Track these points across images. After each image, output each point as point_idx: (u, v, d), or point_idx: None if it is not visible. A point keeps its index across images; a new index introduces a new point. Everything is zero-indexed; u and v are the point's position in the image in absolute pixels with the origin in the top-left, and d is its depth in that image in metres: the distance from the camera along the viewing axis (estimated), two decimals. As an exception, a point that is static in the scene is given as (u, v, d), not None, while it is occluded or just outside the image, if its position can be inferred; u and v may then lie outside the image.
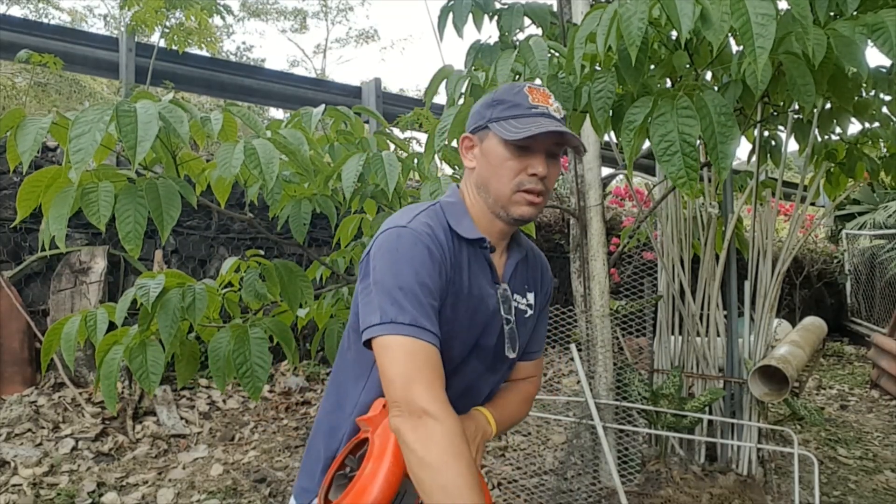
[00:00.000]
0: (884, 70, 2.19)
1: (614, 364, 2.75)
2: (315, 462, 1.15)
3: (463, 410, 1.12)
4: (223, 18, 5.35)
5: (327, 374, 4.61)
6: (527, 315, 1.21)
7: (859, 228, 8.21)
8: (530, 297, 1.22)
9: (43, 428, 3.34)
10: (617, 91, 1.84)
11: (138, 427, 3.50)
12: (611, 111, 1.83)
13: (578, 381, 2.73)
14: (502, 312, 1.13)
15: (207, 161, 1.95)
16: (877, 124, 2.66)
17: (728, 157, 1.58)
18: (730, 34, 1.72)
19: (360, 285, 1.08)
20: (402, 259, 1.01)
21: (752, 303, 2.99)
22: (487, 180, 1.11)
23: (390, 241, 1.03)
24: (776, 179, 3.13)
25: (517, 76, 2.04)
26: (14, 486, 2.84)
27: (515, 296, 1.18)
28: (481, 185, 1.12)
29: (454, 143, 2.02)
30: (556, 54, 2.02)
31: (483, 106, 1.14)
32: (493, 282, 1.13)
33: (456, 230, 1.09)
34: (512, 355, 1.16)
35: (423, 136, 4.96)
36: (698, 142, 2.67)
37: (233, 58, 13.25)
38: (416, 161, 2.08)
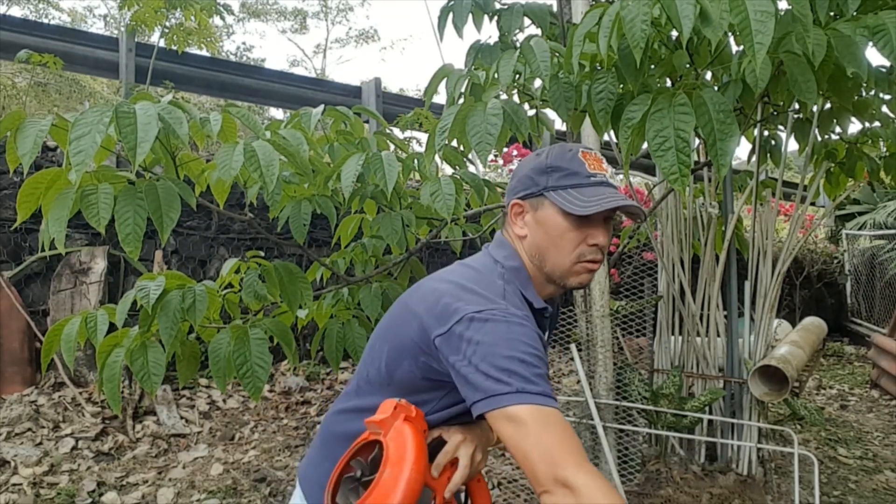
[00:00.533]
0: (884, 70, 2.19)
1: (614, 364, 2.75)
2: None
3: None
4: (223, 19, 5.36)
5: (327, 373, 4.61)
6: None
7: (859, 228, 8.21)
8: (545, 335, 1.23)
9: (43, 427, 3.34)
10: (617, 90, 1.84)
11: (138, 426, 3.50)
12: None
13: (578, 381, 2.73)
14: None
15: (207, 162, 1.95)
16: (877, 124, 2.66)
17: (727, 154, 1.58)
18: (729, 33, 1.73)
19: (451, 358, 1.00)
20: (515, 334, 0.98)
21: (752, 303, 2.99)
22: (545, 251, 1.09)
23: (497, 318, 0.99)
24: (776, 179, 3.13)
25: (518, 76, 2.04)
26: (14, 485, 2.84)
27: None
28: (535, 254, 1.10)
29: (454, 143, 2.02)
30: (557, 54, 2.02)
31: (535, 172, 1.10)
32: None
33: (531, 302, 1.09)
34: None
35: (423, 136, 4.97)
36: (697, 141, 2.67)
37: (233, 58, 13.25)
38: (416, 161, 2.08)
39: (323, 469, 1.15)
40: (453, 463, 1.05)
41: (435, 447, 1.05)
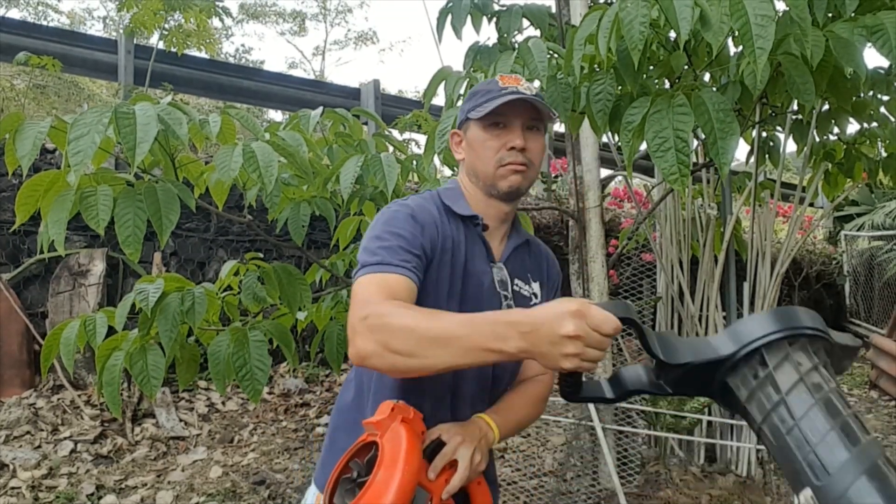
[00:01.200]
0: (882, 70, 2.19)
1: (613, 365, 2.75)
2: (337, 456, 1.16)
3: (473, 391, 1.15)
4: (222, 21, 5.36)
5: (326, 375, 4.61)
6: (531, 302, 1.22)
7: (858, 229, 8.21)
8: (535, 286, 1.25)
9: (42, 430, 3.34)
10: (615, 92, 1.84)
11: (137, 429, 3.50)
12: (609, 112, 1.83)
13: (578, 383, 2.73)
14: (498, 289, 1.17)
15: (206, 163, 1.95)
16: (874, 124, 2.66)
17: (728, 153, 1.59)
18: (728, 35, 1.73)
19: None
20: (382, 222, 1.10)
21: (751, 304, 3.00)
22: (474, 164, 1.19)
23: (378, 215, 1.13)
24: (774, 181, 3.14)
25: (516, 77, 2.04)
26: (13, 488, 2.83)
27: (516, 280, 1.21)
28: (471, 171, 1.20)
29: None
30: (555, 55, 2.02)
31: (464, 103, 1.23)
32: (489, 260, 1.18)
33: (451, 207, 1.17)
34: None
35: (421, 138, 4.97)
36: (696, 142, 2.67)
37: (232, 60, 13.26)
38: (414, 163, 2.08)
39: (331, 447, 1.21)
40: (452, 464, 1.05)
41: (434, 448, 1.05)
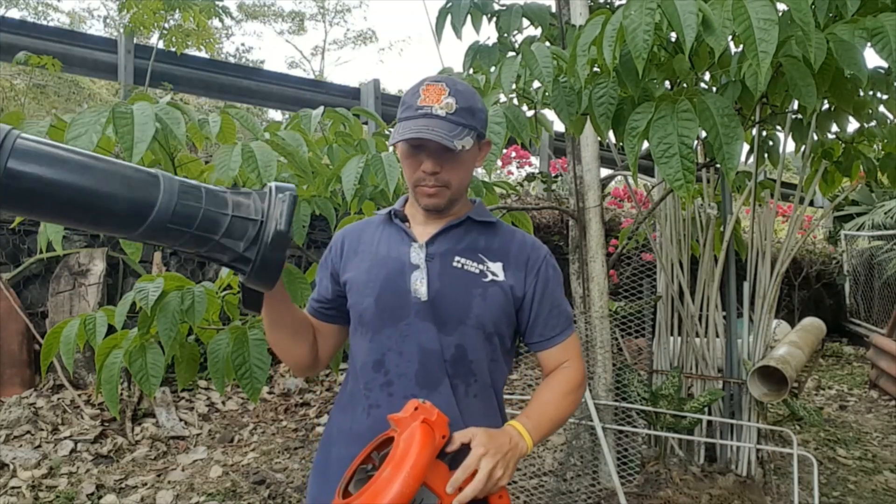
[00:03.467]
0: (881, 70, 2.19)
1: (613, 365, 2.75)
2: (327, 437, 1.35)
3: (418, 371, 1.16)
4: (221, 20, 5.36)
5: (326, 375, 4.61)
6: (485, 279, 1.21)
7: (857, 229, 8.22)
8: (493, 265, 1.23)
9: (42, 430, 3.34)
10: (618, 95, 1.84)
11: (137, 429, 3.50)
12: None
13: (578, 383, 2.73)
14: (412, 261, 1.20)
15: (206, 163, 1.95)
16: (873, 123, 2.66)
17: (734, 157, 1.59)
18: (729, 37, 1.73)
19: None
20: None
21: (751, 304, 3.00)
22: (404, 174, 1.24)
23: None
24: (774, 180, 3.14)
25: (518, 78, 2.04)
26: (13, 488, 2.83)
27: (457, 257, 1.22)
28: None
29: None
30: (558, 58, 2.02)
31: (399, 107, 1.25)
32: (409, 242, 1.23)
33: (379, 214, 1.31)
34: (422, 297, 1.18)
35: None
36: (696, 142, 2.66)
37: (232, 59, 13.27)
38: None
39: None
40: (474, 475, 1.04)
41: (457, 453, 1.05)
